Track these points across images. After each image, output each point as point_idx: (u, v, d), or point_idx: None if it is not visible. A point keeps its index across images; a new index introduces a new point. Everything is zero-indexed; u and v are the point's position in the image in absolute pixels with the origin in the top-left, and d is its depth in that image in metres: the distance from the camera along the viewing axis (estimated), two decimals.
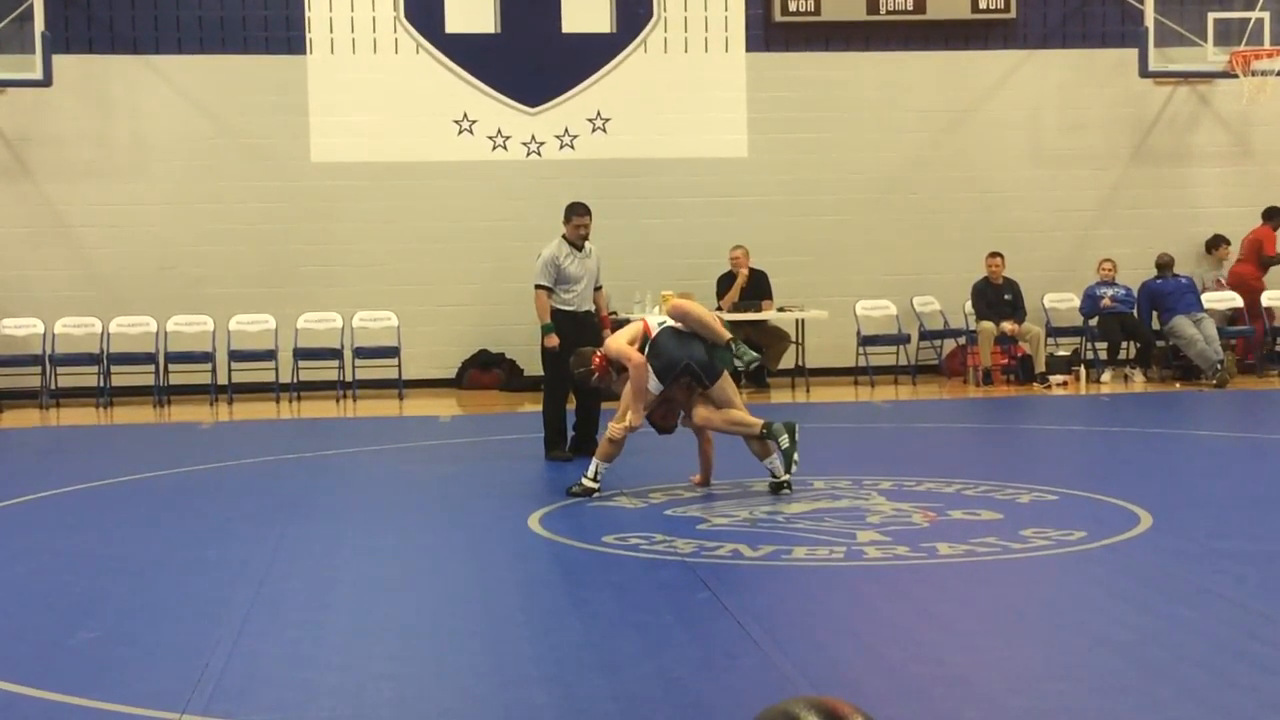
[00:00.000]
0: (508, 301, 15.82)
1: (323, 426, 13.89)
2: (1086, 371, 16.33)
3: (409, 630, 6.13)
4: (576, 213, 10.94)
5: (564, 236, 10.89)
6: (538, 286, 10.79)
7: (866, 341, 16.42)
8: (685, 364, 9.05)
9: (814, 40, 16.94)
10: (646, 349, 9.12)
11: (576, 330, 10.72)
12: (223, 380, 15.73)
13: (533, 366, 13.77)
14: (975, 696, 5.01)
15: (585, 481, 9.08)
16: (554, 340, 10.63)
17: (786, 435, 8.98)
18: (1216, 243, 17.17)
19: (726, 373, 9.18)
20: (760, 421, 9.09)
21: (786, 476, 8.99)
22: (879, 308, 16.77)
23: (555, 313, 10.77)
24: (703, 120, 16.79)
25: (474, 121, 16.60)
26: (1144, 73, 16.69)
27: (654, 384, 9.08)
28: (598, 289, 11.07)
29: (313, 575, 7.20)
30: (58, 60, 15.43)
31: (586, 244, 10.95)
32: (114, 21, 16.18)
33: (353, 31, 16.46)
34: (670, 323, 9.20)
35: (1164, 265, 16.40)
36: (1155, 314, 16.38)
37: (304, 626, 6.12)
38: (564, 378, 10.37)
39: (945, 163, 17.08)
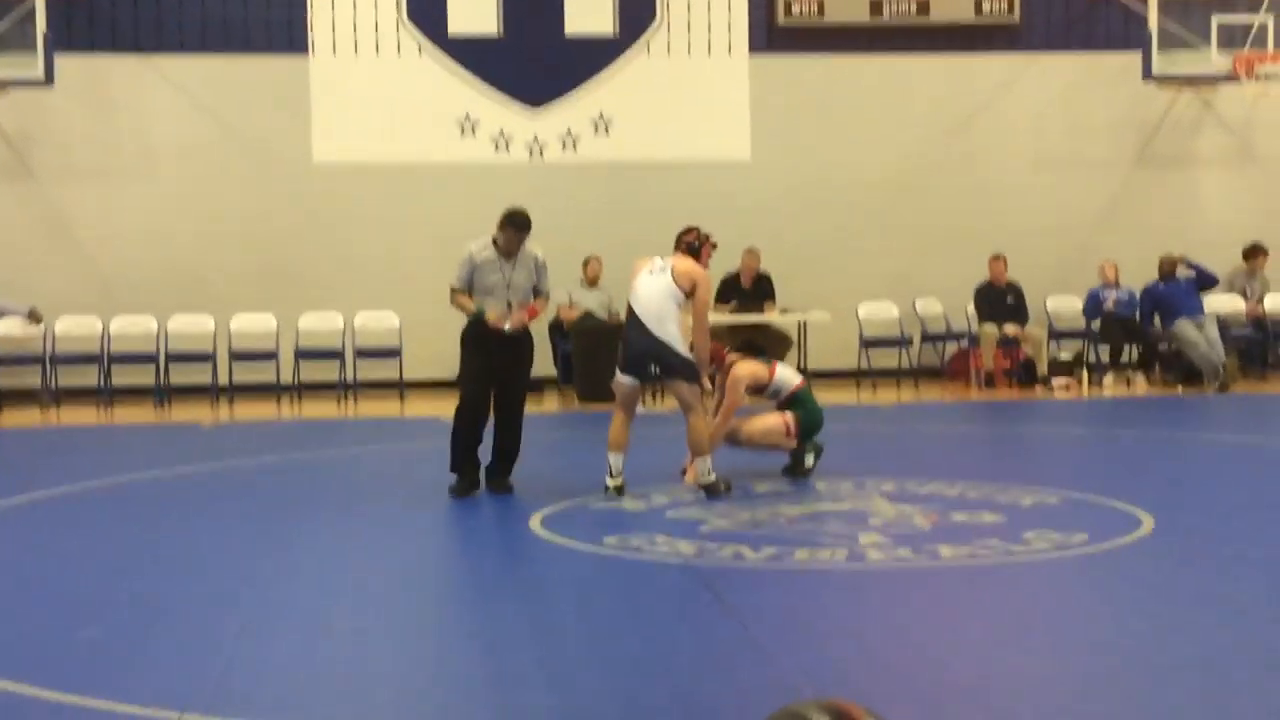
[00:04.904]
0: None
1: (324, 427, 13.87)
2: (1089, 375, 16.31)
3: (410, 631, 6.12)
4: (514, 224, 9.31)
5: (494, 239, 9.39)
6: (451, 289, 9.37)
7: (869, 344, 16.41)
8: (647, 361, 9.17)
9: (817, 43, 16.92)
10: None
11: (489, 346, 9.19)
12: (224, 380, 15.71)
13: (535, 369, 13.73)
14: (977, 701, 4.99)
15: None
16: (495, 313, 9.13)
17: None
18: (1254, 252, 16.89)
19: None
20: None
21: (713, 479, 9.07)
22: (881, 310, 16.75)
23: (469, 325, 9.30)
24: (705, 123, 16.77)
25: (476, 123, 16.59)
26: (1148, 76, 16.67)
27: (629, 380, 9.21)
28: (539, 295, 9.46)
29: (314, 576, 7.19)
30: (59, 60, 15.43)
31: (526, 249, 9.38)
32: (116, 21, 16.17)
33: (355, 32, 16.44)
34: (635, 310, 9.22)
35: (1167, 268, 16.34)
36: (1158, 317, 16.35)
37: (305, 627, 6.11)
38: (480, 391, 9.28)
39: (948, 166, 17.06)
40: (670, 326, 9.10)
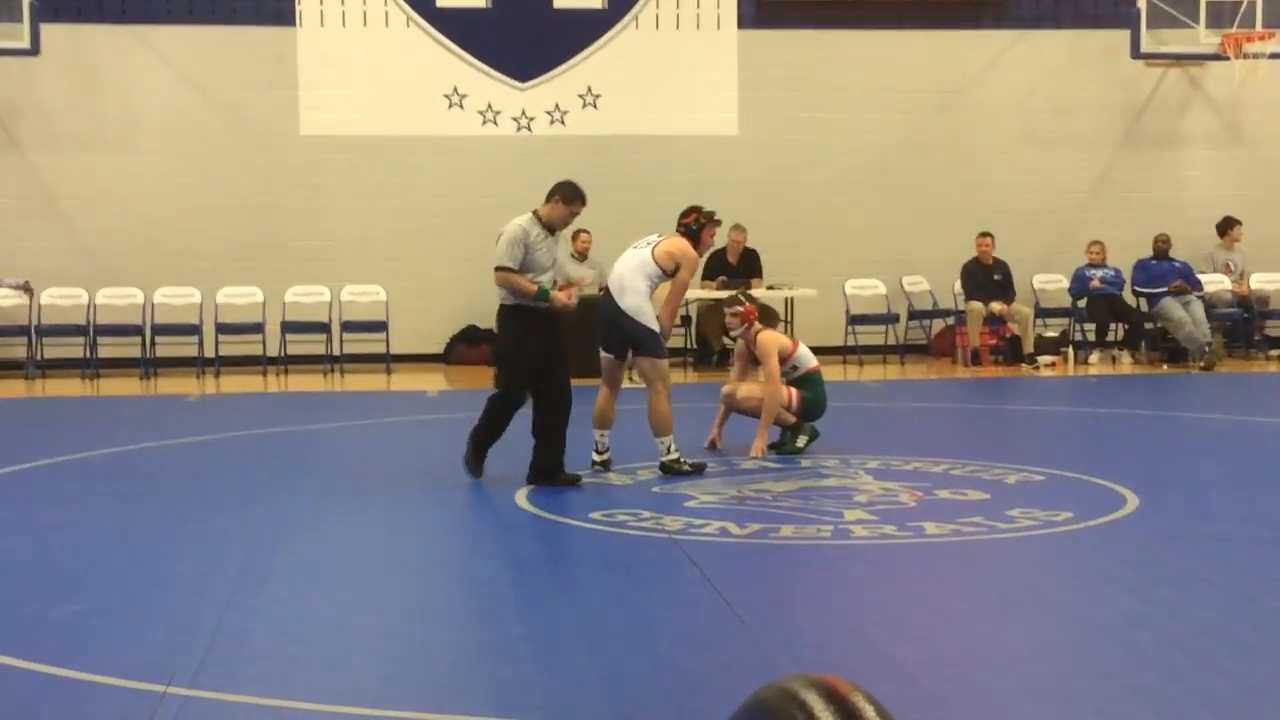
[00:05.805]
0: None
1: (310, 400, 13.86)
2: (1074, 353, 16.35)
3: (395, 606, 6.12)
4: (580, 198, 8.89)
5: (536, 214, 8.82)
6: (501, 269, 8.62)
7: (855, 321, 16.42)
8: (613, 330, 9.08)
9: (806, 18, 16.89)
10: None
11: (541, 330, 8.68)
12: (210, 353, 15.69)
13: None
14: (961, 677, 5.01)
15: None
16: (560, 296, 8.62)
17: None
18: (1228, 225, 16.96)
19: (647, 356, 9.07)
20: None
21: (674, 456, 8.90)
22: (868, 287, 16.76)
23: (515, 309, 8.69)
24: (693, 98, 16.74)
25: (464, 96, 16.55)
26: (1136, 55, 16.67)
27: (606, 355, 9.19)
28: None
29: (299, 549, 7.19)
30: (45, 29, 15.35)
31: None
32: None
33: (343, 4, 16.37)
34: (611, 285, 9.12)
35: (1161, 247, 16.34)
36: (1144, 299, 16.35)
37: (290, 601, 6.11)
38: (530, 381, 8.72)
39: (936, 143, 17.05)
40: (631, 298, 8.96)
